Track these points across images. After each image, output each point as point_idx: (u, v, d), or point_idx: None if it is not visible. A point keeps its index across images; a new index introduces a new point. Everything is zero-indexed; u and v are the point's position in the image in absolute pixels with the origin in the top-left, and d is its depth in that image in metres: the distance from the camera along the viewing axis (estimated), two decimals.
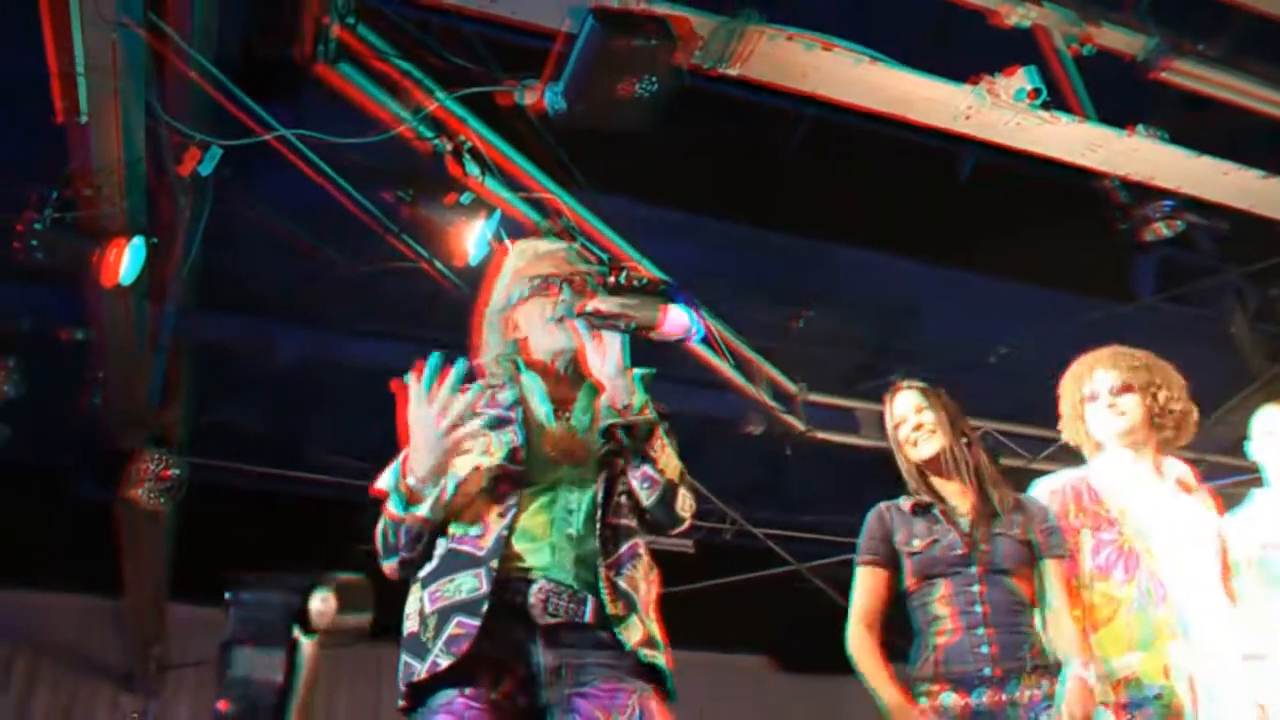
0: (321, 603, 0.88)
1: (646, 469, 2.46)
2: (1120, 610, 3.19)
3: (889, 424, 3.52)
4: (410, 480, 2.36)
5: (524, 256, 2.79)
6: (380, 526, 2.44)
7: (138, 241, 4.32)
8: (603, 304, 2.47)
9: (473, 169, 4.50)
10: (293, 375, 6.51)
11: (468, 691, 2.28)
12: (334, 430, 6.85)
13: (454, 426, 2.31)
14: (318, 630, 0.89)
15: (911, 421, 3.43)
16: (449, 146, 4.43)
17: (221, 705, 0.88)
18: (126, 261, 4.28)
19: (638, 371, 2.50)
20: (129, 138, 4.06)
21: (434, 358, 2.34)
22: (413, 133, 4.37)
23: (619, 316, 2.44)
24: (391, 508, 2.40)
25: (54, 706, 7.74)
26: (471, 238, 4.51)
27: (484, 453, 2.47)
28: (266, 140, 4.23)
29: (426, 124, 4.42)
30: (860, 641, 3.24)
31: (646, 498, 2.48)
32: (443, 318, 5.86)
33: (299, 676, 0.88)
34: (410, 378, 2.34)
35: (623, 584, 2.41)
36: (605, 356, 2.45)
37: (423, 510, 2.37)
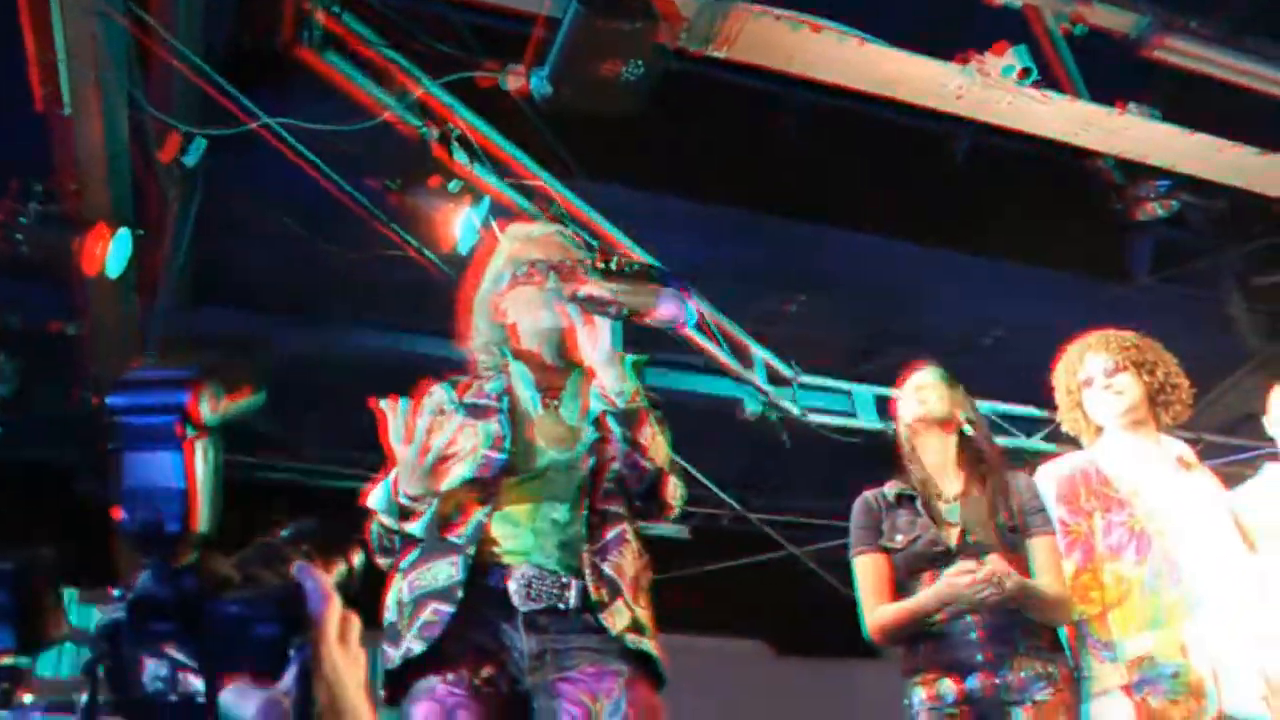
0: (210, 402, 0.87)
1: (635, 456, 2.43)
2: (1133, 591, 3.19)
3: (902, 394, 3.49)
4: (403, 499, 2.35)
5: (515, 240, 2.78)
6: (375, 530, 2.45)
7: (124, 233, 4.29)
8: (594, 288, 2.45)
9: (461, 156, 4.47)
10: (287, 368, 6.48)
11: (449, 678, 2.28)
12: (330, 422, 6.82)
13: (442, 460, 2.30)
14: (206, 426, 0.89)
15: (915, 386, 3.42)
16: (436, 133, 4.40)
17: (115, 513, 0.87)
18: (112, 253, 4.25)
19: (629, 357, 2.48)
20: (112, 128, 4.03)
21: (403, 401, 2.35)
22: (399, 120, 4.34)
23: (610, 302, 2.42)
24: (385, 520, 2.40)
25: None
26: (460, 225, 4.48)
27: (472, 452, 2.44)
28: (252, 129, 4.19)
29: (413, 111, 4.39)
30: (879, 613, 3.20)
31: (635, 485, 2.47)
32: (437, 308, 5.82)
33: (196, 476, 0.88)
34: (386, 407, 2.35)
35: (608, 569, 2.40)
36: (596, 342, 2.43)
37: (416, 529, 2.39)
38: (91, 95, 3.85)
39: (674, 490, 2.52)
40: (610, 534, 2.45)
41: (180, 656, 0.96)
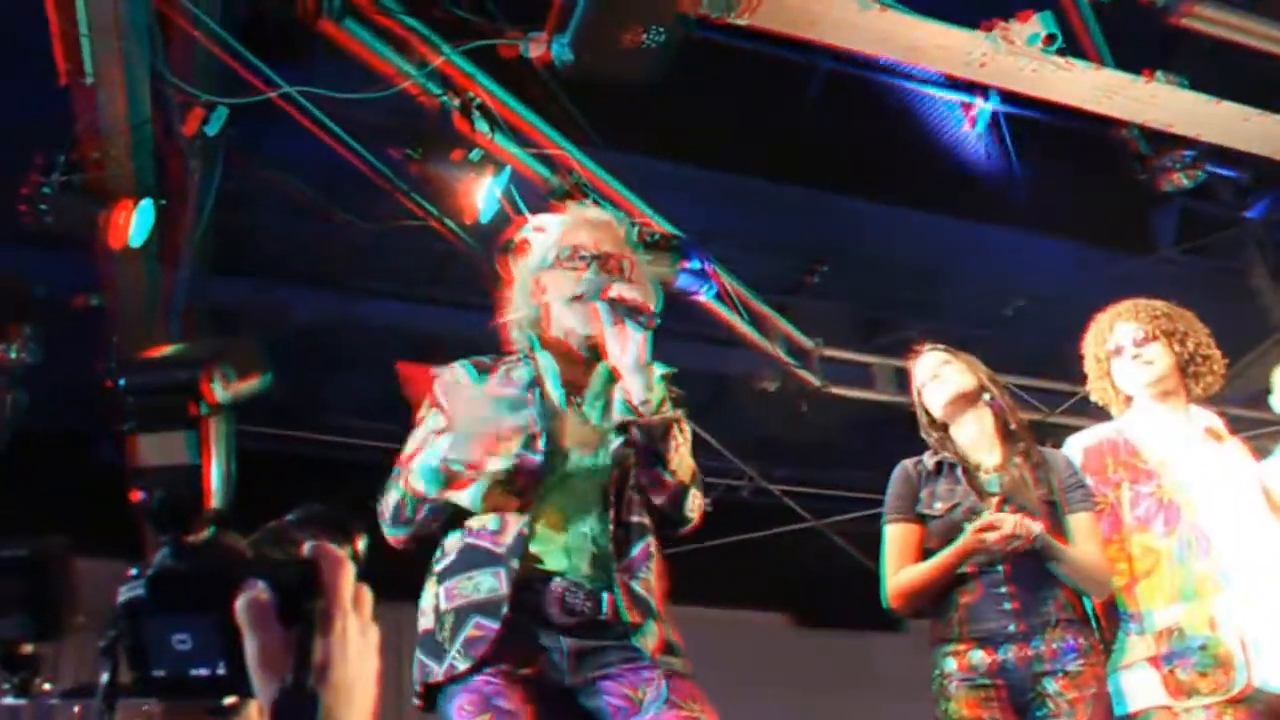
0: (223, 383, 0.89)
1: (658, 470, 2.38)
2: (1161, 562, 3.16)
3: (914, 385, 3.47)
4: (451, 465, 2.25)
5: (572, 220, 2.69)
6: (395, 498, 2.35)
7: (146, 203, 4.30)
8: (628, 291, 2.37)
9: (481, 125, 4.44)
10: (307, 337, 6.50)
11: (487, 670, 2.25)
12: (349, 392, 6.84)
13: (495, 432, 2.26)
14: (218, 405, 0.90)
15: (932, 373, 3.39)
16: (457, 103, 4.38)
17: (134, 496, 0.90)
18: (135, 223, 4.27)
19: (658, 367, 2.40)
20: (135, 98, 4.04)
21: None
22: (420, 89, 4.32)
23: (642, 310, 2.34)
24: (420, 485, 2.30)
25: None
26: (481, 195, 4.47)
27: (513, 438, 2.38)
28: (273, 100, 4.19)
29: (434, 80, 4.37)
30: (900, 576, 3.17)
31: (656, 498, 2.42)
32: (456, 278, 5.83)
33: (211, 454, 0.90)
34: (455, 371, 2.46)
35: (638, 588, 2.37)
36: (626, 348, 2.34)
37: (464, 499, 2.34)
38: (114, 66, 3.86)
39: (694, 503, 2.47)
40: (637, 548, 2.41)
41: (201, 631, 0.96)
